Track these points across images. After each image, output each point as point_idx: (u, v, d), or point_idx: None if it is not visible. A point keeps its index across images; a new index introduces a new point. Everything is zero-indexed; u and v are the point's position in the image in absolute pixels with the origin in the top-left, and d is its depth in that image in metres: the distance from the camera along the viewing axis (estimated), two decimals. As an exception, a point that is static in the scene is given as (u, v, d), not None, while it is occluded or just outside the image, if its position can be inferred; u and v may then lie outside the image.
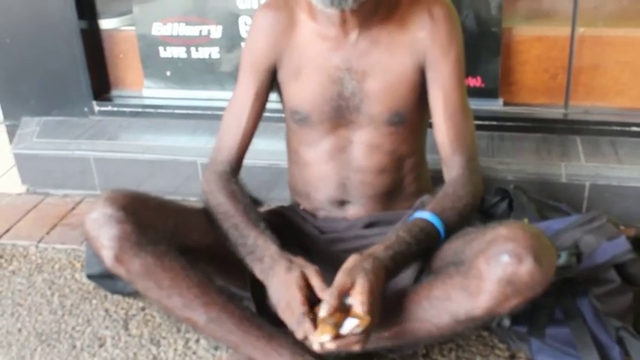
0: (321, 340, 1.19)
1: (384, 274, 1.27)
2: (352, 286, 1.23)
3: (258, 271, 1.38)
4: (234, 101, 1.58)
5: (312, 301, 1.26)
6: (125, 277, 1.36)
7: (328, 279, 1.36)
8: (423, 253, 1.38)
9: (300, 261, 1.33)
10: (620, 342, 1.48)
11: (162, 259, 1.35)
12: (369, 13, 1.45)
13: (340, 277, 1.24)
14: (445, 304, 1.28)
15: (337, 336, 1.19)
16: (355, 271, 1.24)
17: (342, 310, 1.22)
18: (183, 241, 1.42)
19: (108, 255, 1.34)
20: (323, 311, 1.20)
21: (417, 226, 1.37)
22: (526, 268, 1.19)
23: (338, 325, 1.20)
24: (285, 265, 1.32)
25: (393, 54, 1.48)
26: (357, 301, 1.21)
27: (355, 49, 1.48)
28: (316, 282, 1.28)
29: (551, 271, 1.23)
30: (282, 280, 1.30)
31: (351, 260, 1.27)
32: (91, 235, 1.35)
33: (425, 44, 1.47)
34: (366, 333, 1.22)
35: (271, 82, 1.58)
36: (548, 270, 1.21)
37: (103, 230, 1.33)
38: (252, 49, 1.57)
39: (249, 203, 1.49)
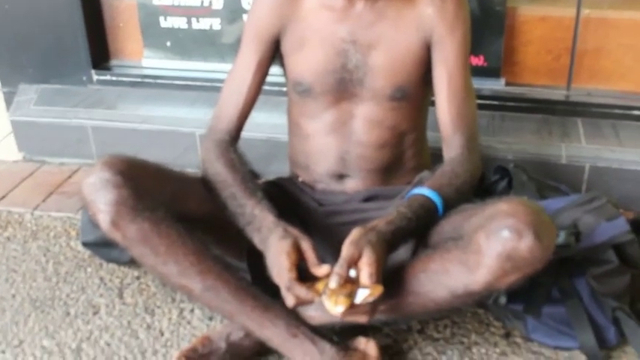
0: (336, 310, 1.19)
1: (386, 247, 1.27)
2: (359, 257, 1.23)
3: (258, 242, 1.37)
4: (236, 70, 1.57)
5: (302, 270, 1.26)
6: (121, 242, 1.35)
7: (326, 251, 1.35)
8: (421, 229, 1.38)
9: (295, 231, 1.32)
10: (615, 322, 1.48)
11: (158, 226, 1.34)
12: (376, -16, 1.44)
13: (347, 249, 1.24)
14: (443, 278, 1.28)
15: (350, 306, 1.20)
16: (361, 243, 1.24)
17: (348, 281, 1.22)
18: (180, 208, 1.41)
19: (104, 219, 1.32)
20: (333, 283, 1.20)
21: (417, 201, 1.37)
22: (526, 244, 1.18)
23: (351, 296, 1.20)
24: (280, 233, 1.31)
25: (399, 28, 1.47)
26: (366, 272, 1.21)
27: (361, 21, 1.47)
28: (310, 256, 1.28)
29: (551, 248, 1.22)
30: (274, 247, 1.30)
31: (356, 233, 1.27)
32: (88, 199, 1.34)
33: (432, 21, 1.46)
34: (375, 304, 1.23)
35: (274, 52, 1.56)
36: (547, 246, 1.21)
37: (100, 194, 1.32)
38: (256, 18, 1.55)
39: (247, 172, 1.48)
